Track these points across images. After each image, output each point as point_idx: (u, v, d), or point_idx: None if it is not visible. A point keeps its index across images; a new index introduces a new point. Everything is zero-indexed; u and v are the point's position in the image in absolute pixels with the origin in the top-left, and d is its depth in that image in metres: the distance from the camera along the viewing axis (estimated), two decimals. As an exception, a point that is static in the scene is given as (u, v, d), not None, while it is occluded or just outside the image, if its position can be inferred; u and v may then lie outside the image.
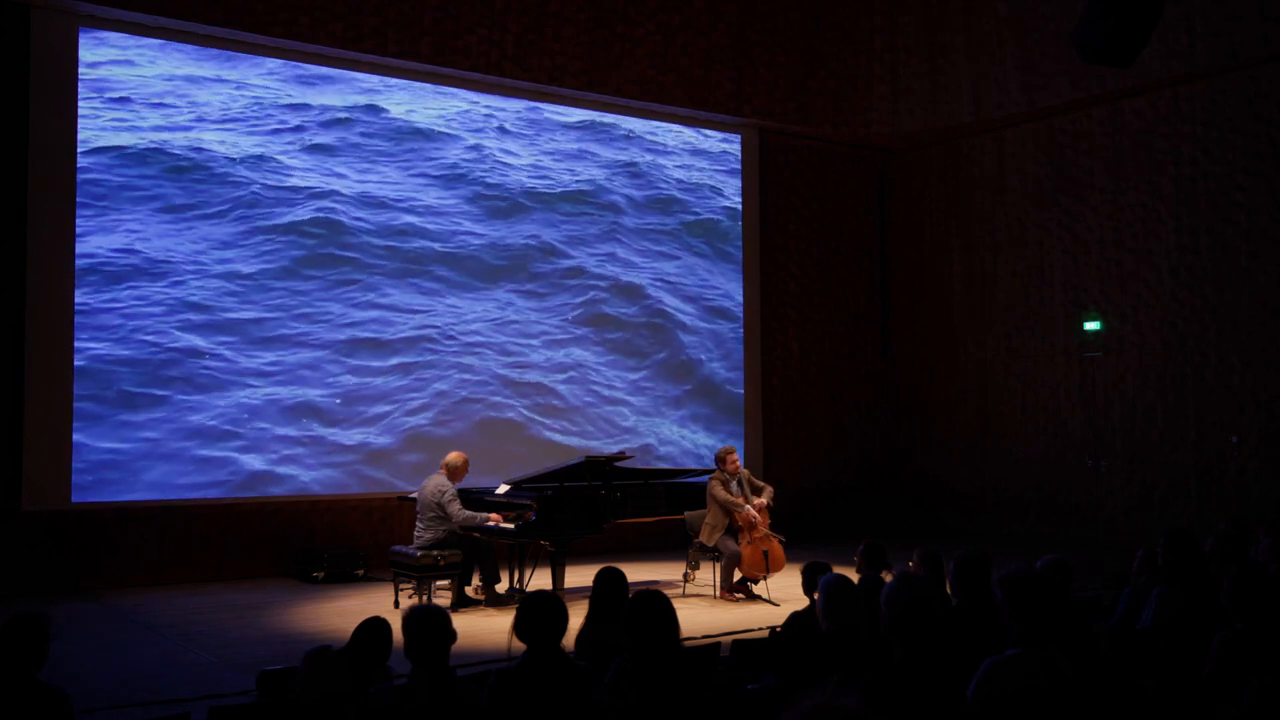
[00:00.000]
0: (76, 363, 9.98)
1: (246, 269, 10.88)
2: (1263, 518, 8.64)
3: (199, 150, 10.80)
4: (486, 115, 12.53)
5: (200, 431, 10.47)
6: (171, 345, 10.44)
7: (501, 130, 12.62)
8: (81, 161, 10.14)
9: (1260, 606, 3.94)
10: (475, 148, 12.41)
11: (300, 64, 11.39)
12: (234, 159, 10.97)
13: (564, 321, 12.71)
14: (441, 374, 11.87)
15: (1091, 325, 13.00)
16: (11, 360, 9.74)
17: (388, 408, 11.52)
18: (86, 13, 10.12)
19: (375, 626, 4.47)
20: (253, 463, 10.68)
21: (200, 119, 10.85)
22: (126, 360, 10.22)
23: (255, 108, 11.19)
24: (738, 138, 14.30)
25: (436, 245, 11.96)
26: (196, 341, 10.58)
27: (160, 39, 10.60)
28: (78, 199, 10.07)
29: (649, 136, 13.71)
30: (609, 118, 13.38)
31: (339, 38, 11.08)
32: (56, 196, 9.96)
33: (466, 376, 12.01)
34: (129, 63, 10.54)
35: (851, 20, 14.50)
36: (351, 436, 11.26)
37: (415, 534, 8.83)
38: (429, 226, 11.95)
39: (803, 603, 5.83)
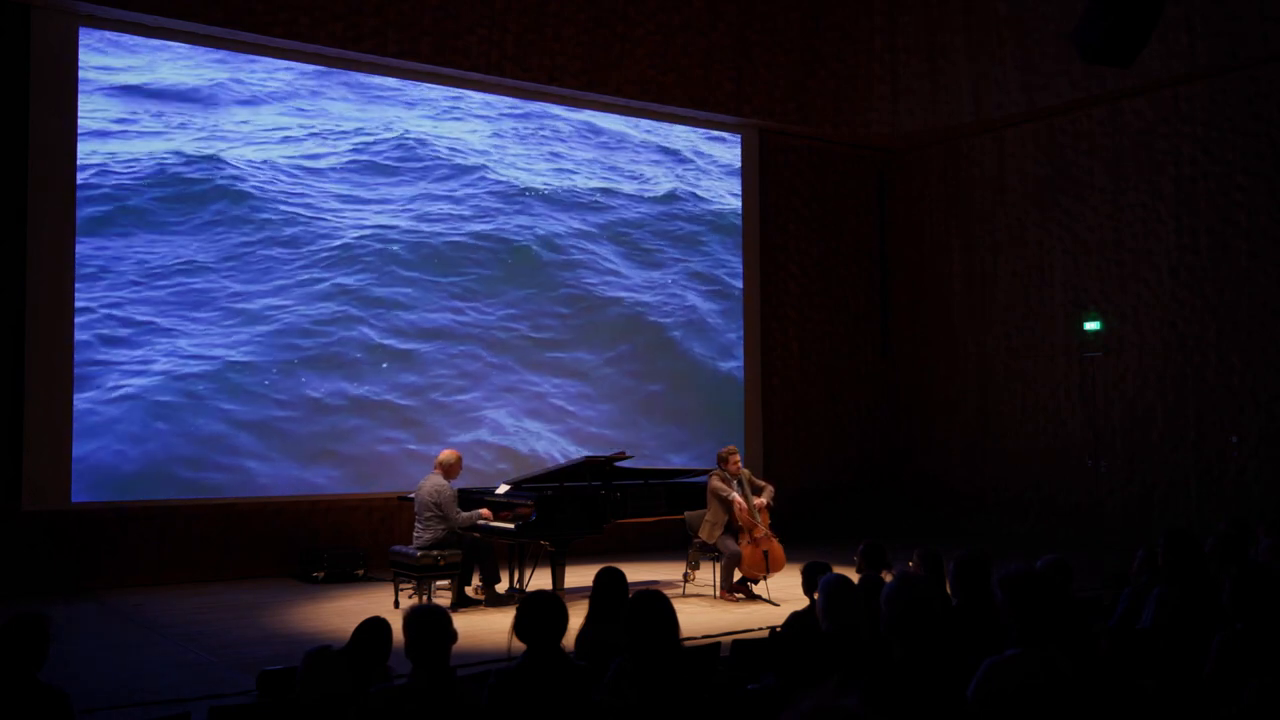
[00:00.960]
0: (147, 362, 10.17)
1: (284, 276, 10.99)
2: (1263, 518, 8.64)
3: (222, 159, 10.83)
4: (496, 116, 12.55)
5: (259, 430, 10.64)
6: (212, 354, 10.50)
7: (516, 134, 12.67)
8: (115, 170, 10.27)
9: (1260, 606, 3.93)
10: (488, 151, 12.42)
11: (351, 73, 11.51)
12: (261, 165, 10.99)
13: (574, 324, 12.74)
14: (463, 373, 11.94)
15: (1091, 325, 12.99)
16: (11, 360, 9.74)
17: (414, 403, 11.61)
18: (86, 13, 10.12)
19: (375, 626, 4.47)
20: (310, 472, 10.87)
21: (221, 128, 10.89)
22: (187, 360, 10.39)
23: (288, 118, 11.22)
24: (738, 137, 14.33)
25: (451, 247, 11.99)
26: (245, 343, 10.76)
27: (161, 39, 10.60)
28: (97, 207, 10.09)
29: (664, 142, 13.73)
30: (618, 119, 13.39)
31: (339, 38, 11.08)
32: (56, 196, 9.96)
33: (497, 380, 12.15)
34: (149, 67, 10.58)
35: (851, 20, 14.50)
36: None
37: (414, 534, 8.82)
38: (447, 229, 11.96)
39: (803, 603, 5.82)
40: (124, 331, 10.27)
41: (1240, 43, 11.36)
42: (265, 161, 11.17)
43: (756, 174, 14.40)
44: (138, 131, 10.54)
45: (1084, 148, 13.29)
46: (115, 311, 10.25)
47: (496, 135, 12.58)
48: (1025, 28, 13.14)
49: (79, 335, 10.00)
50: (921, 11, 14.23)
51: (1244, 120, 11.79)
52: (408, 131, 12.00)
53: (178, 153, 10.72)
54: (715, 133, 14.18)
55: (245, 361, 10.79)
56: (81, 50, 10.17)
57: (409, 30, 11.44)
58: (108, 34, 10.34)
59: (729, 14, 13.59)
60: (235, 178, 10.98)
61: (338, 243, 11.43)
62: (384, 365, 11.53)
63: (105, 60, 10.38)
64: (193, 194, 10.75)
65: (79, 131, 10.12)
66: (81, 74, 10.16)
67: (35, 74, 9.90)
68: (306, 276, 11.22)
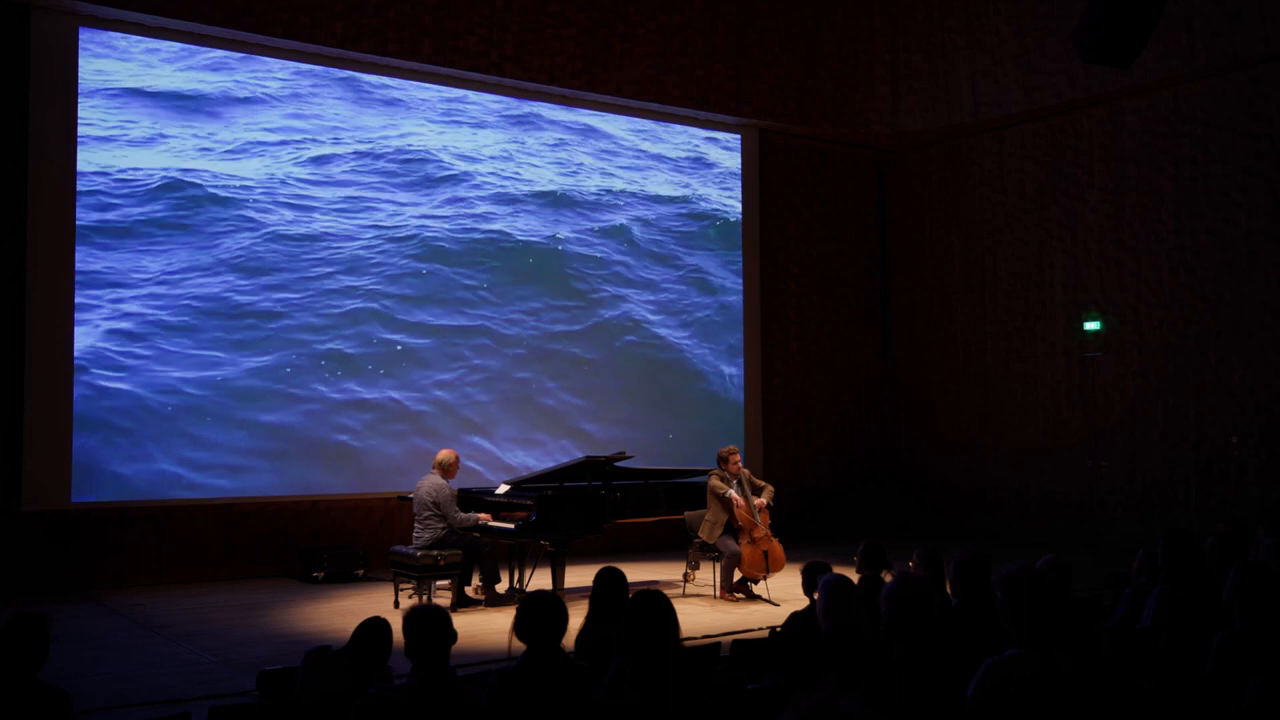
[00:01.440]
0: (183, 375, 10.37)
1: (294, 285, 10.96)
2: (1263, 518, 8.64)
3: (223, 160, 10.83)
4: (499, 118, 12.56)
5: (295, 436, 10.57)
6: (236, 364, 10.51)
7: (518, 134, 12.67)
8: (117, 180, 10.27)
9: (1260, 606, 3.93)
10: (491, 151, 12.42)
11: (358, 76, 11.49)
12: (262, 165, 10.99)
13: (583, 328, 12.76)
14: (468, 370, 11.95)
15: (1091, 325, 12.99)
16: (12, 360, 9.74)
17: (436, 409, 11.67)
18: (87, 13, 10.11)
19: (375, 626, 4.46)
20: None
21: (221, 130, 10.88)
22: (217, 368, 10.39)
23: (284, 128, 11.21)
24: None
25: (452, 247, 11.99)
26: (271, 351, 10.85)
27: (161, 39, 10.60)
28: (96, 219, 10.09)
29: (659, 147, 13.74)
30: (619, 119, 13.39)
31: (339, 37, 11.08)
32: (57, 196, 9.95)
33: (500, 379, 12.20)
34: (149, 69, 10.56)
35: (851, 20, 14.50)
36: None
37: (414, 534, 8.82)
38: (450, 229, 11.96)
39: (803, 603, 5.82)
40: (125, 330, 10.27)
41: (1240, 43, 11.35)
42: (266, 162, 11.16)
43: (756, 174, 14.40)
44: (138, 133, 10.53)
45: (1084, 148, 13.29)
46: (118, 308, 10.24)
47: (498, 136, 12.57)
48: (1025, 28, 13.14)
49: (80, 334, 10.00)
50: (921, 11, 14.23)
51: (1244, 120, 11.79)
52: (410, 132, 12.00)
53: (178, 154, 10.71)
54: (715, 133, 14.17)
55: (247, 362, 10.79)
56: (81, 54, 10.16)
57: (409, 30, 11.44)
58: (107, 35, 10.33)
59: (729, 14, 13.59)
60: (237, 179, 10.97)
61: (339, 243, 11.43)
62: (388, 365, 11.53)
63: (105, 64, 10.37)
64: (194, 195, 10.74)
65: (79, 133, 10.12)
66: (82, 77, 10.15)
67: (35, 74, 9.90)
68: (310, 277, 11.22)
